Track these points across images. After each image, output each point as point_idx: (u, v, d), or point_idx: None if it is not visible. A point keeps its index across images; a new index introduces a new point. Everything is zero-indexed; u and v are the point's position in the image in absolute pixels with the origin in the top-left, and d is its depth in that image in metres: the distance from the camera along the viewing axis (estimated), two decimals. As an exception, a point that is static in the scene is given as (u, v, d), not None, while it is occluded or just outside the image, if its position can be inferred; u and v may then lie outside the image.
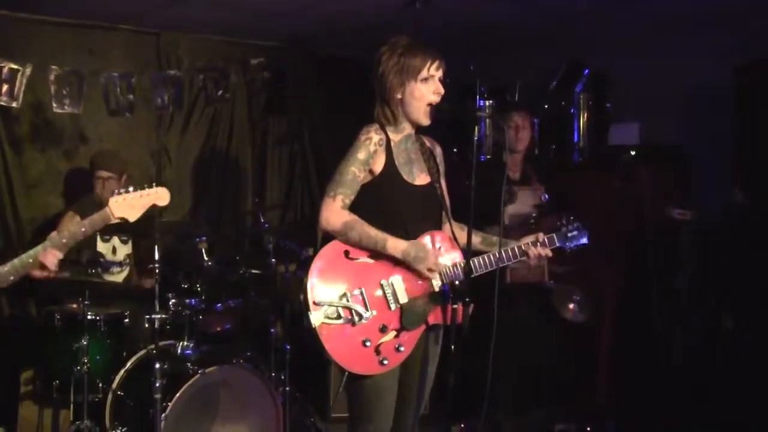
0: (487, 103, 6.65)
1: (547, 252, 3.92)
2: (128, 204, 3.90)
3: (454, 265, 3.76)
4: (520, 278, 5.45)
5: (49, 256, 3.77)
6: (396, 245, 3.62)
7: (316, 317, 3.53)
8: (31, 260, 3.76)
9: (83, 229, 3.85)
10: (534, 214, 5.36)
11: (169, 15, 6.45)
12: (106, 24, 6.77)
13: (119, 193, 3.90)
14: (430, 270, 3.66)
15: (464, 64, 6.37)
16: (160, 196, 4.01)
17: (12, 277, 3.75)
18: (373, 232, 3.61)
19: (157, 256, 5.20)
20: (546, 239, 3.91)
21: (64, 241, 3.81)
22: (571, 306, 5.48)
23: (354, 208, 3.68)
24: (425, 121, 3.77)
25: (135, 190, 3.94)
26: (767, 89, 5.54)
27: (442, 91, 3.74)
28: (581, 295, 5.49)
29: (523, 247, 3.87)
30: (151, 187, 3.99)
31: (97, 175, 5.95)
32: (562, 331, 5.74)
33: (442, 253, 3.78)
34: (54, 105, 6.53)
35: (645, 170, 5.98)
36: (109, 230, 5.78)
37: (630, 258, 6.04)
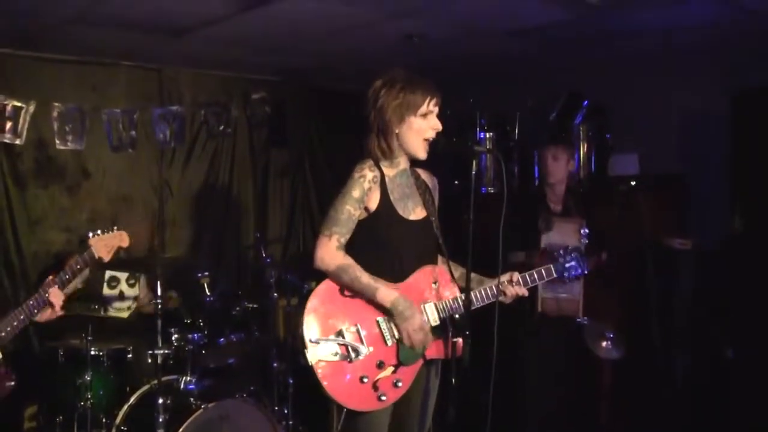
0: (488, 135, 6.68)
1: (523, 292, 3.89)
2: (102, 244, 4.19)
3: (454, 298, 3.76)
4: (551, 310, 5.45)
5: (53, 297, 4.00)
6: (385, 297, 3.61)
7: (312, 355, 3.54)
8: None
9: (78, 266, 4.14)
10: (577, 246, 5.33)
11: (170, 51, 6.50)
12: (108, 60, 6.83)
13: (95, 235, 4.20)
14: (408, 333, 3.63)
15: (462, 96, 6.40)
16: (122, 237, 4.30)
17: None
18: (365, 280, 3.61)
19: (159, 292, 5.24)
20: (543, 270, 3.91)
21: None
22: (604, 344, 5.42)
23: (350, 244, 3.69)
24: (422, 155, 3.78)
25: (103, 232, 4.24)
26: (764, 117, 5.55)
27: (440, 127, 3.76)
28: (614, 332, 5.45)
29: (503, 286, 3.85)
30: (111, 230, 4.28)
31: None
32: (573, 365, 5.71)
33: (437, 288, 3.79)
34: (57, 141, 6.57)
35: (644, 200, 6.01)
36: (116, 268, 5.82)
37: (630, 287, 6.04)
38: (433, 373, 3.87)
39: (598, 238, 5.23)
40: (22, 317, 4.03)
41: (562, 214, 5.59)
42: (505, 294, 3.83)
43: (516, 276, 3.87)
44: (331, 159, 7.66)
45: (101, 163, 6.87)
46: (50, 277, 4.06)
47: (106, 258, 4.17)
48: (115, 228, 4.28)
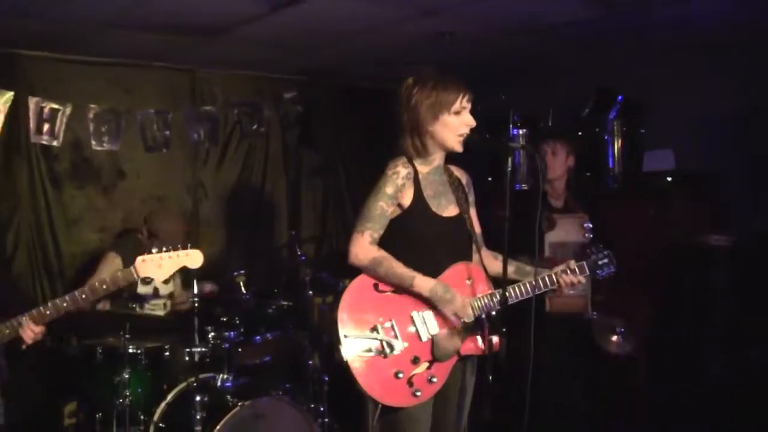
0: (520, 132, 6.66)
1: (580, 279, 3.90)
2: (155, 264, 3.92)
3: (491, 294, 3.76)
4: (559, 307, 5.42)
5: (27, 331, 3.84)
6: (423, 284, 3.63)
7: (347, 351, 3.56)
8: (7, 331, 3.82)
9: (104, 287, 3.86)
10: (580, 242, 5.31)
11: (202, 52, 6.54)
12: (142, 62, 6.88)
13: (149, 252, 3.91)
14: (455, 314, 3.67)
15: (494, 93, 6.39)
16: (192, 258, 4.04)
17: None
18: (400, 270, 3.63)
19: (195, 291, 5.29)
20: (576, 267, 3.91)
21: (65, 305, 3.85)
22: (614, 338, 5.39)
23: (384, 241, 3.70)
24: (459, 148, 3.78)
25: (167, 250, 3.95)
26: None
27: (474, 123, 3.76)
28: (625, 326, 5.42)
29: (554, 276, 3.86)
30: (185, 248, 4.01)
31: (161, 240, 5.84)
32: (597, 364, 5.67)
33: (471, 285, 3.80)
34: (93, 143, 6.64)
35: (680, 196, 5.97)
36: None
37: (664, 286, 6.00)
38: (469, 370, 3.88)
39: (602, 229, 5.22)
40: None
41: (563, 210, 5.57)
42: (559, 284, 3.83)
43: (573, 263, 3.87)
44: (363, 157, 7.67)
45: (136, 163, 6.93)
46: (33, 311, 3.89)
47: (160, 278, 4.03)
48: (189, 246, 4.08)
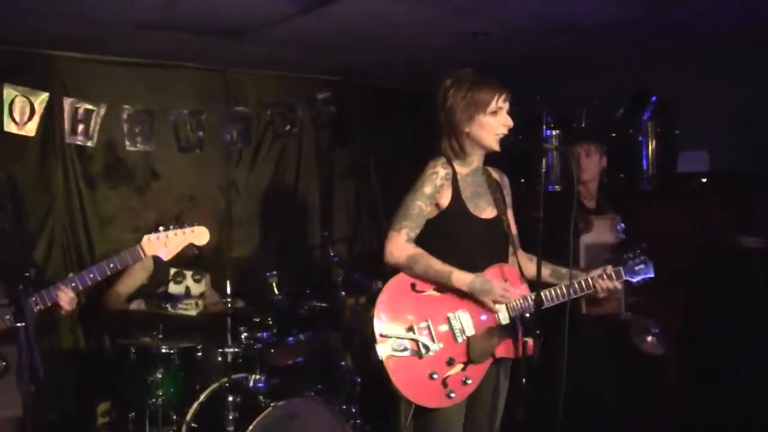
0: (554, 133, 6.63)
1: (616, 285, 3.89)
2: (161, 243, 3.92)
3: (524, 297, 3.76)
4: (594, 309, 5.37)
5: (63, 295, 3.74)
6: (461, 278, 3.63)
7: (382, 350, 3.55)
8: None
9: (111, 265, 3.82)
10: (613, 244, 5.27)
11: (235, 52, 6.56)
12: (175, 63, 6.91)
13: (154, 231, 3.93)
14: (496, 302, 3.66)
15: (528, 94, 6.37)
16: (198, 235, 4.06)
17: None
18: (438, 266, 3.62)
19: (228, 291, 5.30)
20: (613, 273, 3.89)
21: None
22: (649, 338, 5.36)
23: (420, 242, 3.69)
24: (497, 147, 3.77)
25: (172, 228, 3.98)
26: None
27: (511, 123, 3.75)
28: (659, 327, 5.38)
29: (591, 281, 3.85)
30: (190, 225, 4.04)
31: None
32: (630, 365, 5.63)
33: (509, 286, 3.78)
34: (127, 143, 6.65)
35: (714, 197, 5.92)
36: (181, 265, 5.88)
37: (697, 287, 5.95)
38: (503, 372, 3.87)
39: (635, 231, 5.17)
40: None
41: (595, 211, 5.53)
42: (596, 289, 3.83)
43: (609, 269, 3.86)
44: (396, 158, 7.65)
45: (169, 163, 6.95)
46: (70, 275, 3.88)
47: (166, 257, 3.98)
48: (195, 224, 4.10)
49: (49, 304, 3.66)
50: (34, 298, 3.60)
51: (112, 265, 3.81)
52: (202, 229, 4.06)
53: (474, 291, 3.64)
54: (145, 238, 3.89)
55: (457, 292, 3.68)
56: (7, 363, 3.52)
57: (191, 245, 4.09)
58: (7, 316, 3.50)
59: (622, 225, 5.06)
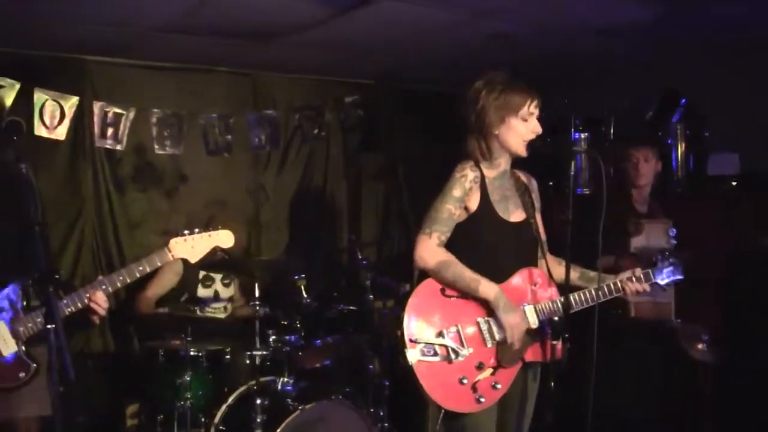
0: (582, 136, 6.60)
1: (645, 287, 3.88)
2: (188, 245, 3.93)
3: (553, 300, 3.74)
4: (645, 314, 5.34)
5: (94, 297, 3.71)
6: (488, 290, 3.62)
7: (412, 355, 3.55)
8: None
9: (140, 268, 3.81)
10: (663, 248, 5.24)
11: (263, 56, 6.57)
12: (204, 67, 6.93)
13: (181, 234, 3.93)
14: (510, 326, 3.63)
15: (555, 97, 6.34)
16: (223, 238, 4.06)
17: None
18: (467, 274, 3.61)
19: (257, 294, 5.31)
20: (642, 274, 3.87)
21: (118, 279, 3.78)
22: (700, 346, 5.32)
23: (449, 244, 3.69)
24: (524, 153, 3.77)
25: (198, 232, 3.98)
26: None
27: (540, 130, 3.75)
28: (709, 335, 5.34)
29: (620, 283, 3.83)
30: (215, 228, 4.04)
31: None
32: (674, 372, 5.58)
33: (537, 290, 3.77)
34: (155, 146, 6.68)
35: (745, 200, 5.87)
36: (210, 269, 5.90)
37: (729, 291, 5.89)
38: (531, 376, 3.86)
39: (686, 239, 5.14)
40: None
41: (647, 215, 5.50)
42: (625, 292, 3.81)
43: (638, 271, 3.85)
44: (424, 161, 7.64)
45: (198, 167, 6.96)
46: (100, 277, 3.87)
47: (193, 260, 3.98)
48: (219, 227, 4.11)
49: (81, 306, 3.66)
50: (65, 301, 3.60)
51: (141, 268, 3.80)
52: (227, 232, 4.07)
53: (496, 306, 3.62)
54: (172, 241, 3.90)
55: None
56: (39, 364, 3.52)
57: (218, 249, 4.10)
58: (39, 319, 3.50)
59: (674, 230, 5.03)
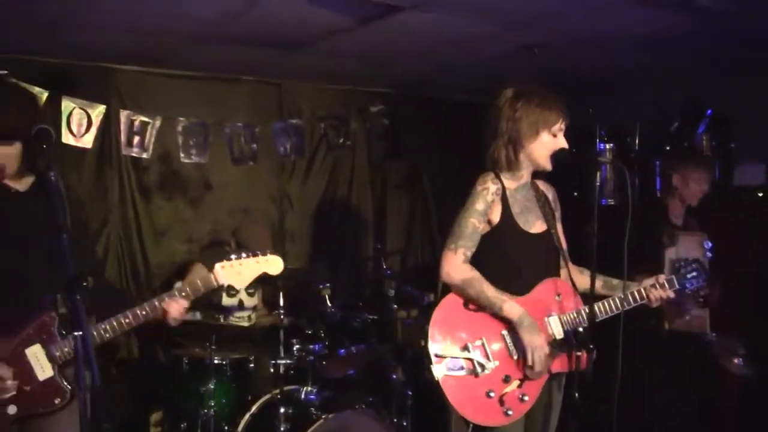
0: (608, 147, 6.58)
1: (669, 294, 3.86)
2: (235, 271, 3.69)
3: (578, 311, 3.73)
4: (679, 326, 5.30)
5: (174, 304, 3.60)
6: (511, 310, 3.61)
7: (438, 370, 3.55)
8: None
9: (183, 293, 3.63)
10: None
11: (289, 65, 6.59)
12: (230, 76, 6.96)
13: (228, 259, 3.68)
14: (531, 346, 3.60)
15: (581, 107, 6.32)
16: (272, 264, 3.79)
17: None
18: (491, 293, 3.60)
19: (281, 303, 5.32)
20: (666, 281, 3.85)
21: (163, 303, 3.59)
22: (736, 360, 5.30)
23: (473, 257, 3.68)
24: (548, 167, 3.78)
25: (247, 256, 3.72)
26: None
27: (567, 146, 3.75)
28: (745, 349, 5.31)
29: (644, 291, 3.82)
30: (264, 254, 3.77)
31: (241, 245, 5.96)
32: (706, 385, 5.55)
33: (560, 301, 3.76)
34: (181, 155, 6.72)
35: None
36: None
37: (756, 302, 5.85)
38: (556, 387, 3.85)
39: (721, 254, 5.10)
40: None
41: (682, 227, 5.47)
42: (649, 299, 3.80)
43: (662, 278, 3.84)
44: (449, 171, 7.64)
45: (223, 175, 7.00)
46: (178, 284, 3.70)
47: (239, 285, 3.82)
48: (268, 251, 3.79)
49: (159, 314, 3.58)
50: (144, 312, 3.52)
51: (184, 294, 3.62)
52: (276, 259, 3.79)
53: (520, 326, 3.60)
54: (218, 266, 3.65)
55: None
56: (73, 388, 3.44)
57: (266, 275, 3.82)
58: (104, 325, 3.47)
59: (710, 244, 5.00)
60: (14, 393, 3.34)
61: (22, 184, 3.47)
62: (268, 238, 6.06)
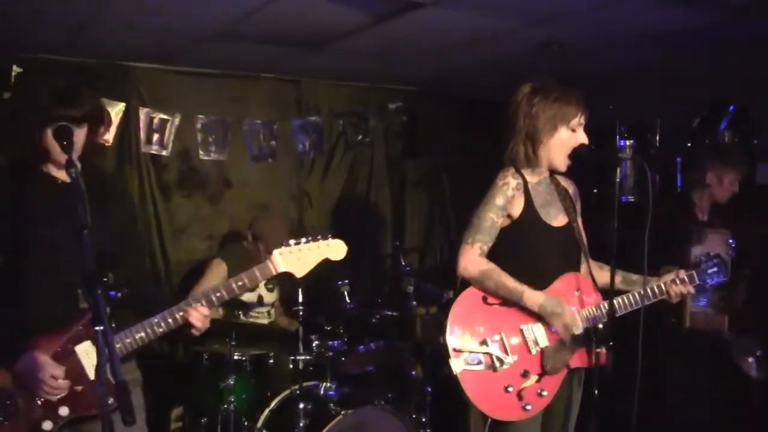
0: (628, 143, 6.55)
1: (689, 289, 3.85)
2: (294, 257, 3.38)
3: (597, 306, 3.72)
4: (699, 325, 5.28)
5: (195, 313, 3.33)
6: (532, 298, 3.61)
7: (456, 364, 3.55)
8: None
9: (240, 283, 3.35)
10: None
11: (308, 63, 6.59)
12: (249, 73, 6.97)
13: (286, 245, 3.37)
14: (564, 327, 3.63)
15: (601, 104, 6.30)
16: (334, 249, 3.49)
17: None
18: (510, 284, 3.60)
19: (300, 299, 5.32)
20: (686, 276, 3.84)
21: (215, 296, 3.36)
22: (751, 360, 5.27)
23: (494, 252, 3.68)
24: (563, 168, 3.78)
25: (307, 241, 3.41)
26: None
27: (587, 141, 3.75)
28: (762, 351, 5.28)
29: (664, 286, 3.81)
30: (325, 238, 3.47)
31: (265, 242, 5.96)
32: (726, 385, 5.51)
33: (580, 295, 3.75)
34: (200, 152, 6.73)
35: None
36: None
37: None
38: (576, 382, 3.84)
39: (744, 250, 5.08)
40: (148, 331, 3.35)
41: (707, 224, 5.44)
42: (669, 294, 3.79)
43: (682, 273, 3.82)
44: (468, 168, 7.61)
45: (242, 173, 7.02)
46: (193, 293, 3.60)
47: (299, 274, 3.40)
48: (329, 236, 3.51)
49: (173, 326, 3.35)
50: (161, 323, 3.32)
51: (240, 284, 3.35)
52: (338, 243, 3.50)
53: (544, 313, 3.62)
54: (276, 252, 3.35)
55: None
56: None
57: (328, 262, 3.52)
58: (128, 340, 3.28)
59: (733, 241, 4.98)
60: (66, 393, 3.14)
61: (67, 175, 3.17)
62: (285, 227, 6.02)
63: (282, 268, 3.36)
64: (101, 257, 2.96)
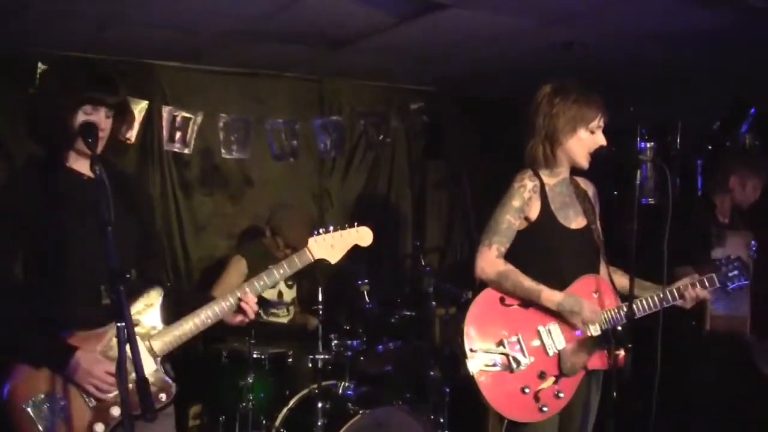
0: (648, 145, 6.53)
1: (705, 294, 3.83)
2: (327, 244, 3.54)
3: (617, 308, 3.72)
4: (721, 327, 5.25)
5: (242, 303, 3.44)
6: (551, 297, 3.62)
7: (473, 365, 3.55)
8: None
9: (281, 271, 3.48)
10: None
11: (330, 62, 6.61)
12: (271, 72, 6.99)
13: (318, 233, 3.53)
14: (584, 323, 3.63)
15: (622, 104, 6.29)
16: (363, 235, 3.67)
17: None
18: (527, 283, 3.61)
19: (320, 298, 5.34)
20: (705, 280, 3.82)
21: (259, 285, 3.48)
22: None
23: (511, 253, 3.69)
24: (585, 165, 3.77)
25: (335, 230, 3.59)
26: None
27: (605, 143, 3.74)
28: None
29: (681, 289, 3.79)
30: (352, 226, 3.65)
31: (283, 237, 6.04)
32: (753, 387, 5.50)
33: (599, 297, 3.75)
34: (222, 151, 6.73)
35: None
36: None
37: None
38: (594, 385, 3.84)
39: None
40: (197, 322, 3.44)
41: (729, 226, 5.42)
42: (684, 298, 3.77)
43: (703, 276, 3.81)
44: (489, 169, 7.60)
45: (263, 171, 7.04)
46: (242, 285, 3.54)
47: (333, 260, 3.57)
48: (356, 224, 3.67)
49: (228, 312, 3.48)
50: (209, 313, 3.43)
51: (281, 271, 3.49)
52: (365, 230, 3.67)
53: (563, 312, 3.62)
54: (311, 240, 3.50)
55: None
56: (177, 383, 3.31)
57: (356, 247, 3.68)
58: (176, 332, 3.38)
59: (755, 243, 4.96)
60: (117, 392, 3.07)
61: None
62: (303, 224, 6.00)
63: (318, 255, 3.51)
64: (125, 254, 3.01)
